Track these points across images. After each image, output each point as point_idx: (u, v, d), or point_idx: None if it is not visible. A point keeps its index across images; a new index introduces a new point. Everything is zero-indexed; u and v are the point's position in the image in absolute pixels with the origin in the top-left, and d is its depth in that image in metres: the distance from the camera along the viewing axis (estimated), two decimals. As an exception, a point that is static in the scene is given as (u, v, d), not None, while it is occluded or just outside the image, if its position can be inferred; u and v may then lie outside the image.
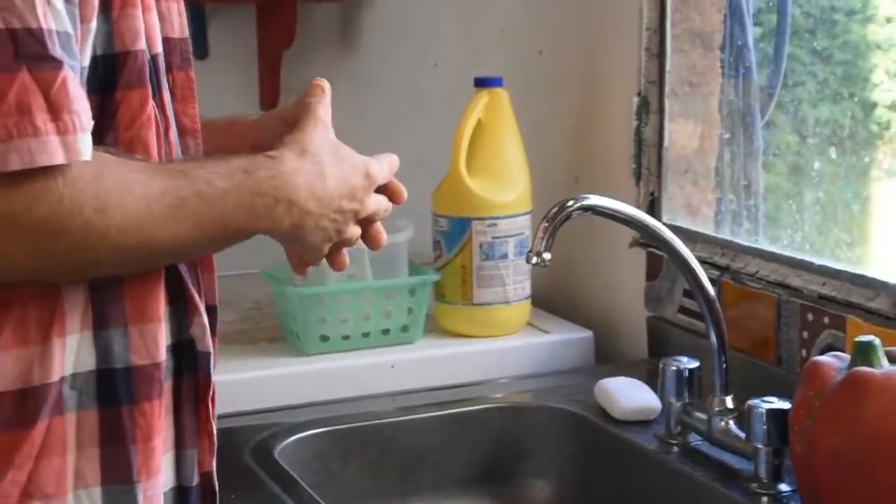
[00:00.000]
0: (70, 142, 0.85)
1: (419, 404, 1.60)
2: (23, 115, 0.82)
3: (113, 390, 0.97)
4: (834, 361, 1.22)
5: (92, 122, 0.87)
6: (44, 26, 0.85)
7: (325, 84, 1.13)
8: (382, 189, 1.14)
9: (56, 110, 0.84)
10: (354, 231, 1.10)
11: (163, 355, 0.99)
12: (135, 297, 0.98)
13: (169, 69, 1.03)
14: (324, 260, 1.12)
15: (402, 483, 1.55)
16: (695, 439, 1.42)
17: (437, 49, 2.32)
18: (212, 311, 1.07)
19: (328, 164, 1.05)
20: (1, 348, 0.91)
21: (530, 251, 1.34)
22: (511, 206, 1.76)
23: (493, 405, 1.61)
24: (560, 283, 1.88)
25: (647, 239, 1.62)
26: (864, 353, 1.20)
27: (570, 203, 1.35)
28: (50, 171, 0.84)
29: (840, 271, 1.44)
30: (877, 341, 1.20)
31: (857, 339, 1.21)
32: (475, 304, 1.76)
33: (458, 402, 1.61)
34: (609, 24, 1.81)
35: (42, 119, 0.83)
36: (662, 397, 1.46)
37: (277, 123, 1.15)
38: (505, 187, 1.76)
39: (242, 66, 2.67)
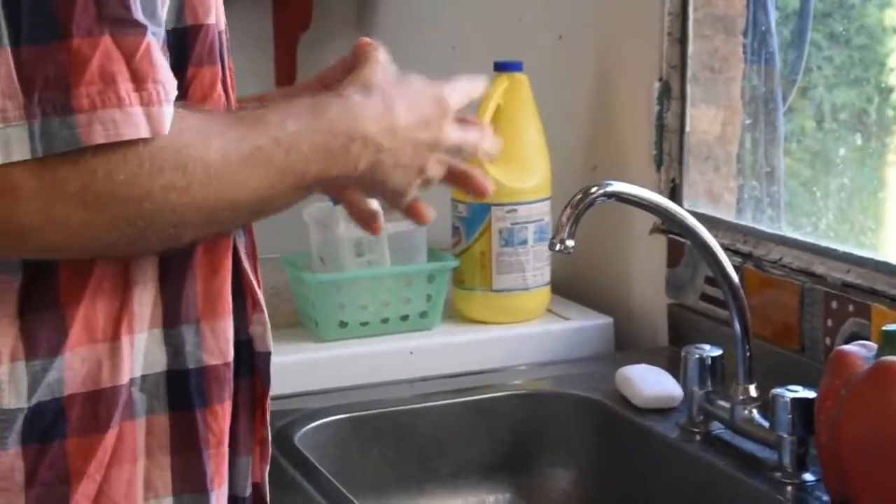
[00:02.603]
0: (154, 113, 0.79)
1: (438, 391, 1.59)
2: (106, 84, 0.77)
3: (185, 392, 0.91)
4: (860, 350, 1.21)
5: (175, 92, 0.81)
6: None
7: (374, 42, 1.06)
8: (461, 179, 1.05)
9: (140, 79, 0.78)
10: (437, 168, 1.00)
11: (232, 354, 0.94)
12: (207, 290, 0.92)
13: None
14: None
15: (421, 470, 1.54)
16: (717, 428, 1.41)
17: (456, 33, 2.31)
18: None
19: (395, 95, 0.96)
20: (68, 347, 0.85)
21: (553, 238, 1.33)
22: (531, 192, 1.74)
23: (513, 392, 1.60)
24: (580, 269, 1.87)
25: (670, 226, 1.61)
26: (891, 342, 1.19)
27: (594, 189, 1.34)
28: (131, 143, 0.78)
29: (865, 258, 1.43)
30: (904, 330, 1.19)
31: (884, 328, 1.20)
32: (494, 291, 1.75)
33: (477, 389, 1.60)
34: (630, 9, 1.80)
35: (126, 89, 0.77)
36: (685, 385, 1.45)
37: (316, 88, 1.08)
38: (524, 173, 1.75)
39: (259, 49, 2.66)
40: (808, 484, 1.27)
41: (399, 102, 0.97)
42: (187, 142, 0.82)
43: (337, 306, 1.68)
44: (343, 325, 1.68)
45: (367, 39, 1.06)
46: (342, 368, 1.63)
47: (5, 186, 0.76)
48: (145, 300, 0.89)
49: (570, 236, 1.32)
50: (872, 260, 1.42)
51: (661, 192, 1.68)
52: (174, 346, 0.91)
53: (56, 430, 0.86)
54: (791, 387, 1.29)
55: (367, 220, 1.04)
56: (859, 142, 1.61)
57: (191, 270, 0.91)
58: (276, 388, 1.56)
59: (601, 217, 1.68)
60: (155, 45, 0.80)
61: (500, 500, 1.57)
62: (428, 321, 1.73)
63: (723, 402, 1.39)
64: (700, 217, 1.47)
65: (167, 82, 0.80)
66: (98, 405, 0.87)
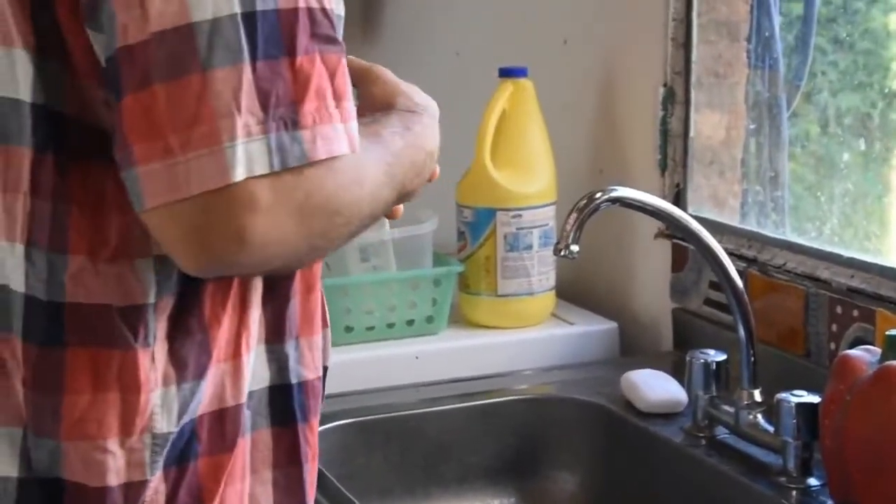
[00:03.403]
0: (351, 129, 0.80)
1: (444, 395, 1.60)
2: (321, 102, 0.78)
3: (287, 407, 0.92)
4: (864, 355, 1.22)
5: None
6: (331, 6, 0.81)
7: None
8: None
9: (339, 97, 0.80)
10: None
11: (321, 368, 0.95)
12: (304, 307, 0.93)
13: None
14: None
15: (427, 474, 1.54)
16: (722, 432, 1.41)
17: (460, 39, 2.31)
18: None
19: (428, 108, 1.01)
20: (209, 369, 0.87)
21: (558, 243, 1.34)
22: (535, 197, 1.75)
23: (518, 397, 1.60)
24: (585, 274, 1.88)
25: (674, 231, 1.62)
26: (895, 347, 1.19)
27: (598, 195, 1.35)
28: (336, 157, 0.80)
29: (869, 264, 1.43)
30: (908, 335, 1.20)
31: (888, 332, 1.20)
32: (499, 295, 1.75)
33: (483, 394, 1.60)
34: (635, 14, 1.80)
35: (332, 106, 0.79)
36: (689, 390, 1.45)
37: None
38: (529, 178, 1.76)
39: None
40: (813, 489, 1.28)
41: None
42: (361, 159, 0.84)
43: (343, 311, 1.68)
44: (349, 329, 1.69)
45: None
46: (348, 373, 1.64)
47: (246, 200, 0.76)
48: (256, 318, 0.90)
49: (575, 241, 1.32)
50: (877, 265, 1.42)
51: (665, 197, 1.69)
52: (278, 362, 0.92)
53: (191, 450, 0.87)
54: (796, 392, 1.29)
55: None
56: (863, 147, 1.61)
57: (292, 289, 0.92)
58: (282, 393, 1.59)
59: (606, 222, 1.69)
60: (345, 64, 0.82)
61: (506, 505, 1.58)
62: (433, 326, 1.73)
63: (727, 407, 1.40)
64: (704, 222, 1.48)
65: (353, 100, 0.82)
66: (224, 424, 0.88)
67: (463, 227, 1.78)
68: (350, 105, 0.81)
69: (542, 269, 1.76)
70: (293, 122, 0.77)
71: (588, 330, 1.77)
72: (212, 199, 0.76)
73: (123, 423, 0.83)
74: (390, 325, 1.71)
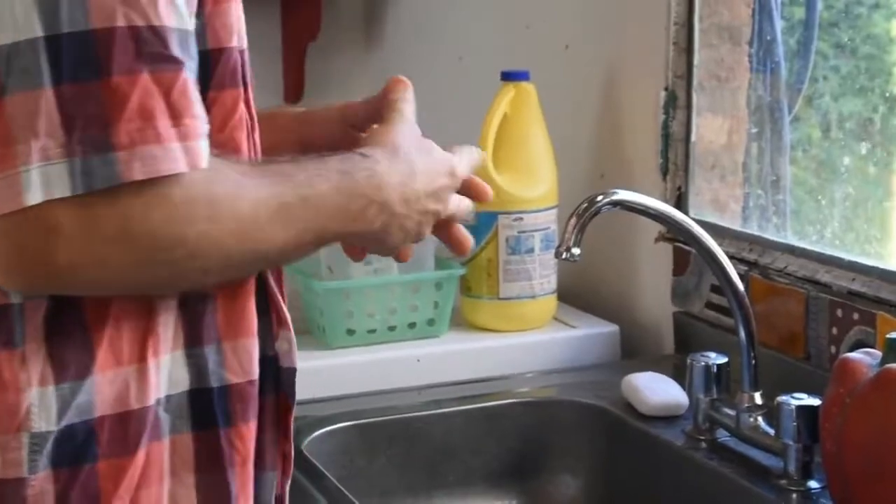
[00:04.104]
0: (191, 148, 0.79)
1: (445, 398, 1.60)
2: (146, 121, 0.77)
3: (209, 411, 0.91)
4: (865, 358, 1.22)
5: (207, 127, 0.81)
6: (165, 24, 0.79)
7: (406, 80, 1.08)
8: (464, 187, 1.07)
9: (177, 115, 0.78)
10: (429, 230, 1.04)
11: (257, 372, 0.94)
12: (228, 311, 0.92)
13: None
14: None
15: (429, 477, 1.55)
16: (723, 435, 1.42)
17: (463, 43, 2.32)
18: None
19: (417, 162, 1.00)
20: (97, 370, 0.86)
21: (559, 246, 1.34)
22: (537, 201, 1.75)
23: (520, 400, 1.61)
24: (586, 277, 1.88)
25: (676, 234, 1.62)
26: (895, 350, 1.19)
27: (600, 198, 1.35)
28: (167, 178, 0.79)
29: (870, 267, 1.43)
30: (908, 338, 1.20)
31: (888, 335, 1.21)
32: (501, 299, 1.76)
33: (485, 397, 1.61)
34: (636, 19, 1.81)
35: (164, 125, 0.77)
36: (690, 393, 1.46)
37: (334, 122, 1.11)
38: (531, 182, 1.76)
39: (267, 58, 2.67)
40: (814, 491, 1.28)
41: (419, 171, 1.00)
42: (220, 193, 0.83)
43: (344, 314, 1.69)
44: (350, 332, 1.69)
45: (400, 77, 1.09)
46: (350, 376, 1.64)
47: (47, 225, 0.77)
48: (168, 323, 0.90)
49: (576, 244, 1.33)
50: (877, 268, 1.42)
51: (667, 201, 1.69)
52: (197, 367, 0.91)
53: (87, 452, 0.86)
54: (796, 395, 1.30)
55: (353, 254, 1.10)
56: (864, 151, 1.62)
57: (210, 294, 0.92)
58: (283, 396, 1.59)
59: (607, 225, 1.69)
60: (191, 81, 0.80)
61: (507, 507, 1.58)
62: (435, 329, 1.73)
63: (728, 410, 1.40)
64: (705, 225, 1.48)
65: (201, 117, 0.81)
66: (127, 427, 0.87)
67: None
68: (196, 123, 0.80)
69: (543, 273, 1.76)
70: (104, 144, 0.76)
71: (589, 333, 1.77)
72: (11, 223, 0.76)
73: None
74: (392, 328, 1.71)
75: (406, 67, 2.66)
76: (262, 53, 2.75)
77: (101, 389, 0.86)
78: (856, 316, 1.41)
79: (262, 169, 0.91)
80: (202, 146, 0.80)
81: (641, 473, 1.48)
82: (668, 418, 1.49)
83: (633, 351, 1.79)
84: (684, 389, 1.48)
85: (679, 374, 1.51)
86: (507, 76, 1.78)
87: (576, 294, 1.87)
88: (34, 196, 0.75)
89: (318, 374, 1.63)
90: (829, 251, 1.51)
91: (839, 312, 1.44)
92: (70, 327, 0.85)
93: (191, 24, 0.83)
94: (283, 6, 2.65)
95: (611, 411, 1.54)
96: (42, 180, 0.75)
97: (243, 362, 0.93)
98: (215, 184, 0.83)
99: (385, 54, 2.62)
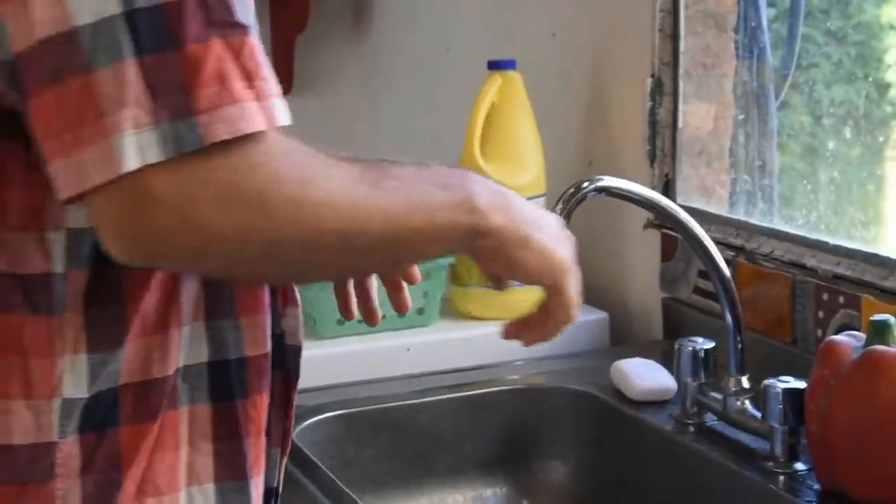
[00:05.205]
0: (267, 107, 0.80)
1: (435, 387, 1.60)
2: (222, 85, 0.78)
3: (227, 383, 0.94)
4: (849, 340, 1.23)
5: (279, 87, 0.83)
6: None
7: None
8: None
9: (249, 77, 0.80)
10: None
11: (269, 346, 0.96)
12: (244, 286, 0.95)
13: None
14: None
15: (419, 465, 1.55)
16: (710, 419, 1.42)
17: (450, 33, 2.32)
18: None
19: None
20: (127, 341, 0.88)
21: (545, 233, 1.34)
22: (525, 189, 1.75)
23: (509, 387, 1.61)
24: (575, 265, 1.88)
25: (662, 220, 1.63)
26: (879, 332, 1.20)
27: (585, 184, 1.36)
28: (250, 137, 0.80)
29: (854, 251, 1.44)
30: (892, 320, 1.21)
31: (872, 318, 1.22)
32: (490, 287, 1.75)
33: (474, 385, 1.61)
34: (622, 6, 1.81)
35: (239, 87, 0.79)
36: (678, 378, 1.46)
37: None
38: (519, 170, 1.77)
39: (256, 51, 2.67)
40: (800, 473, 1.29)
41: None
42: (307, 159, 0.83)
43: (334, 304, 1.68)
44: (340, 322, 1.70)
45: None
46: (340, 365, 1.65)
47: (143, 191, 0.78)
48: (190, 295, 0.92)
49: (563, 231, 1.33)
50: (862, 252, 1.43)
51: (654, 187, 1.70)
52: (215, 339, 0.94)
53: (111, 418, 0.89)
54: (782, 378, 1.30)
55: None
56: (852, 136, 1.62)
57: None
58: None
59: (595, 213, 1.70)
60: (257, 44, 0.82)
61: (498, 494, 1.58)
62: (425, 318, 1.74)
63: (716, 394, 1.41)
64: (692, 211, 1.49)
65: (271, 77, 0.82)
66: (149, 394, 0.90)
67: (453, 220, 1.78)
68: (268, 84, 0.81)
69: (532, 261, 1.76)
70: (187, 109, 0.78)
71: (578, 320, 1.77)
72: (109, 192, 0.78)
73: (27, 386, 0.86)
74: (381, 317, 1.71)
75: (394, 58, 2.67)
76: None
77: (129, 358, 0.89)
78: (841, 299, 1.42)
79: (342, 154, 0.90)
80: (276, 104, 0.81)
81: (630, 458, 1.49)
82: (657, 403, 1.50)
83: (622, 337, 1.79)
84: (672, 375, 1.49)
85: (668, 360, 1.52)
86: (494, 65, 1.79)
87: (565, 282, 1.88)
88: (131, 163, 0.77)
89: (308, 363, 1.59)
90: (814, 235, 1.52)
91: (825, 296, 1.44)
92: (107, 298, 0.88)
93: None
94: (271, -1, 2.65)
95: (600, 397, 1.55)
96: (136, 147, 0.77)
97: (258, 336, 0.95)
98: (301, 151, 0.83)
99: (373, 46, 2.62)
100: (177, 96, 0.78)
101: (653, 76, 1.74)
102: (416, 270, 1.14)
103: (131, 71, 0.77)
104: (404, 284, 1.15)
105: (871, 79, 1.63)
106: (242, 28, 0.81)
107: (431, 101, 2.39)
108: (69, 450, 0.88)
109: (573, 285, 1.05)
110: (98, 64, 0.77)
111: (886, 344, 1.19)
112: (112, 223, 0.80)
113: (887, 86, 1.63)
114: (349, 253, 0.86)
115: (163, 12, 0.78)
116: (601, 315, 1.79)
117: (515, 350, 1.71)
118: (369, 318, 1.16)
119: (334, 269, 0.93)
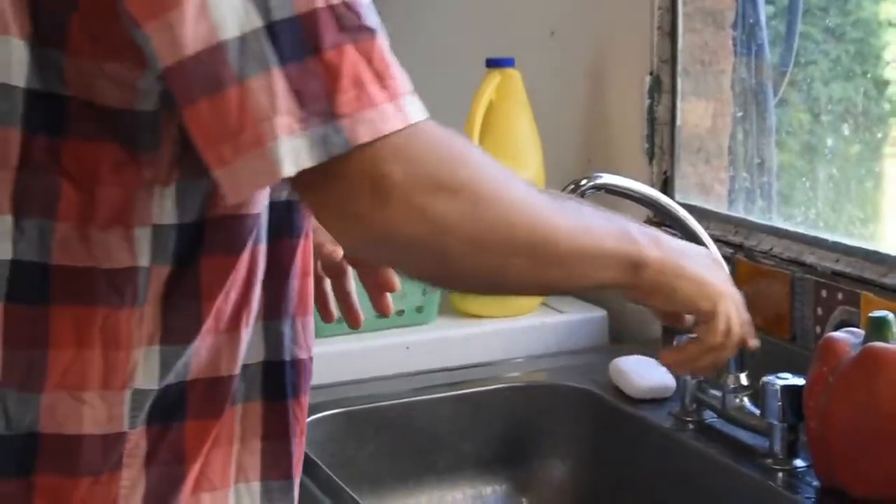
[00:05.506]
0: (401, 106, 0.83)
1: (434, 385, 1.60)
2: (359, 89, 0.82)
3: (280, 383, 0.97)
4: (848, 337, 1.23)
5: (409, 84, 0.86)
6: None
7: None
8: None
9: (381, 78, 0.83)
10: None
11: (313, 349, 1.00)
12: (301, 288, 0.98)
13: None
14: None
15: (419, 463, 1.55)
16: (709, 416, 1.42)
17: (449, 31, 2.32)
18: None
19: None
20: (199, 336, 0.91)
21: (544, 230, 1.34)
22: (524, 187, 1.75)
23: (509, 385, 1.61)
24: (574, 263, 1.88)
25: (661, 218, 1.62)
26: (878, 329, 1.20)
27: (583, 182, 1.36)
28: (391, 137, 0.83)
29: (853, 248, 1.44)
30: (891, 317, 1.21)
31: (871, 314, 1.22)
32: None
33: (474, 382, 1.61)
34: (621, 4, 1.81)
35: (374, 90, 0.82)
36: (677, 375, 1.46)
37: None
38: (517, 167, 1.76)
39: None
40: (799, 470, 1.29)
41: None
42: (458, 149, 0.88)
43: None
44: (339, 320, 1.69)
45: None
46: (339, 364, 1.65)
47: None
48: (257, 295, 0.94)
49: (561, 229, 1.33)
50: (861, 249, 1.43)
51: (653, 185, 1.70)
52: (273, 339, 0.96)
53: (177, 412, 0.91)
54: (781, 374, 1.30)
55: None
56: (850, 133, 1.62)
57: (293, 269, 0.97)
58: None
59: (594, 210, 1.69)
60: (385, 44, 0.85)
61: (498, 492, 1.58)
62: (424, 316, 1.74)
63: (714, 391, 1.41)
64: (691, 209, 1.48)
65: (401, 76, 0.85)
66: (215, 391, 0.93)
67: (452, 218, 1.78)
68: (398, 82, 0.84)
69: (531, 259, 1.76)
70: (331, 114, 0.81)
71: (578, 318, 1.78)
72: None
73: (104, 377, 0.88)
74: (380, 316, 1.71)
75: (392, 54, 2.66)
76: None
77: (199, 353, 0.91)
78: (840, 296, 1.42)
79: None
80: (411, 102, 0.85)
81: (629, 456, 1.49)
82: (656, 401, 1.50)
83: (621, 335, 1.79)
84: (671, 372, 1.49)
85: (667, 357, 1.52)
86: (493, 63, 1.79)
87: (564, 279, 1.88)
88: (287, 168, 0.80)
89: (308, 362, 1.64)
90: (813, 232, 1.52)
91: (824, 293, 1.44)
92: (184, 294, 0.90)
93: None
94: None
95: (599, 395, 1.55)
96: (292, 152, 0.80)
97: (308, 338, 0.99)
98: (451, 139, 0.87)
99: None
100: (321, 103, 0.81)
101: (651, 74, 1.74)
102: (396, 277, 1.16)
103: (278, 80, 0.80)
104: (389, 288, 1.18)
105: (869, 76, 1.63)
106: (370, 31, 0.84)
107: (429, 98, 2.37)
108: (136, 440, 0.90)
109: (733, 309, 1.09)
110: (248, 75, 0.80)
111: (885, 340, 1.19)
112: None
113: (886, 83, 1.63)
114: (534, 260, 0.91)
115: (300, 23, 0.81)
116: (600, 313, 1.79)
117: (515, 348, 1.73)
118: (350, 318, 1.20)
119: (516, 276, 0.93)
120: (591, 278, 0.97)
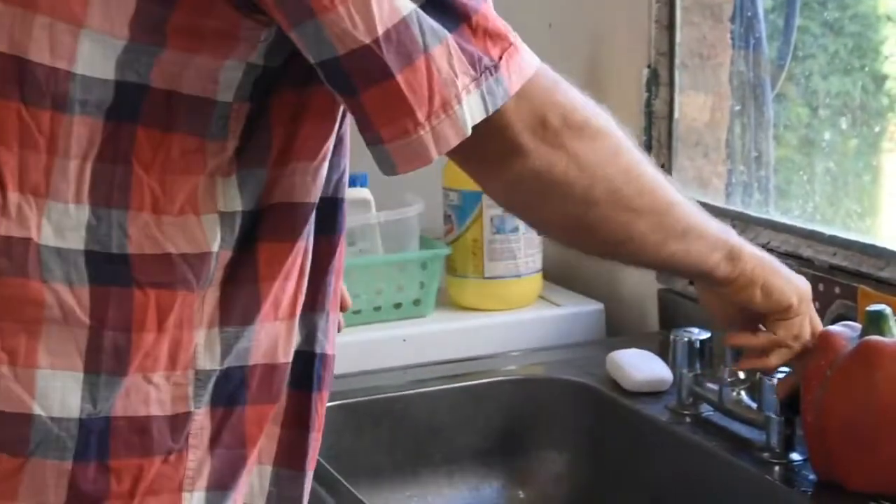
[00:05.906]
0: (526, 48, 0.91)
1: (431, 377, 1.60)
2: (502, 40, 0.89)
3: (307, 374, 0.99)
4: (845, 331, 1.23)
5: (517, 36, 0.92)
6: None
7: None
8: None
9: (506, 28, 0.90)
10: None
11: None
12: (336, 285, 1.00)
13: None
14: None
15: (415, 456, 1.55)
16: (706, 410, 1.42)
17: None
18: None
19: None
20: (258, 321, 0.93)
21: (541, 223, 1.34)
22: (521, 180, 1.75)
23: (506, 378, 1.61)
24: (571, 256, 1.88)
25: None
26: (875, 323, 1.20)
27: (581, 175, 1.35)
28: (536, 79, 0.91)
29: (851, 241, 1.44)
30: (888, 310, 1.21)
31: (868, 308, 1.22)
32: (486, 278, 1.76)
33: (471, 375, 1.61)
34: (619, -3, 1.81)
35: (510, 38, 0.89)
36: (674, 368, 1.47)
37: None
38: (515, 161, 1.76)
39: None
40: (796, 463, 1.29)
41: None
42: (572, 97, 0.96)
43: (330, 295, 1.69)
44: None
45: None
46: (336, 356, 1.64)
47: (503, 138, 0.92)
48: (305, 285, 0.96)
49: (559, 222, 1.33)
50: (858, 242, 1.43)
51: (650, 179, 1.69)
52: (307, 331, 0.98)
53: (239, 396, 0.93)
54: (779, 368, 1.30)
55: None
56: (848, 127, 1.62)
57: (331, 265, 0.99)
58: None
59: (591, 203, 1.69)
60: (491, 6, 0.92)
61: (494, 485, 1.58)
62: (421, 309, 1.74)
63: (711, 385, 1.41)
64: (688, 202, 1.48)
65: (509, 28, 0.92)
66: (272, 378, 0.95)
67: (449, 211, 1.78)
68: (511, 31, 0.90)
69: (528, 252, 1.77)
70: (494, 68, 0.88)
71: (575, 311, 1.78)
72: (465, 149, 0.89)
73: (171, 359, 0.90)
74: (377, 309, 1.72)
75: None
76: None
77: (259, 338, 0.93)
78: (837, 290, 1.42)
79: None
80: (524, 49, 0.91)
81: (626, 449, 1.49)
82: (653, 394, 1.50)
83: (618, 328, 1.80)
84: (668, 365, 1.49)
85: (664, 351, 1.52)
86: (491, 56, 1.78)
87: (561, 273, 1.88)
88: (469, 128, 0.88)
89: (305, 354, 1.64)
90: (810, 226, 1.52)
91: (821, 287, 1.44)
92: (243, 278, 0.92)
93: None
94: None
95: (596, 388, 1.55)
96: (469, 111, 0.88)
97: (334, 335, 1.01)
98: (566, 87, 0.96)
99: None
100: (483, 60, 0.88)
101: (649, 67, 1.74)
102: (349, 297, 1.18)
103: (452, 46, 0.87)
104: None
105: (867, 70, 1.63)
106: None
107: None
108: (201, 421, 0.92)
109: (814, 312, 1.21)
110: (431, 45, 0.87)
111: (882, 334, 1.19)
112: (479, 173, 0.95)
113: (883, 77, 1.63)
114: (659, 227, 1.02)
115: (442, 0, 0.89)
116: (597, 306, 1.79)
117: (512, 341, 1.73)
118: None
119: (640, 238, 1.02)
120: (703, 257, 1.08)
